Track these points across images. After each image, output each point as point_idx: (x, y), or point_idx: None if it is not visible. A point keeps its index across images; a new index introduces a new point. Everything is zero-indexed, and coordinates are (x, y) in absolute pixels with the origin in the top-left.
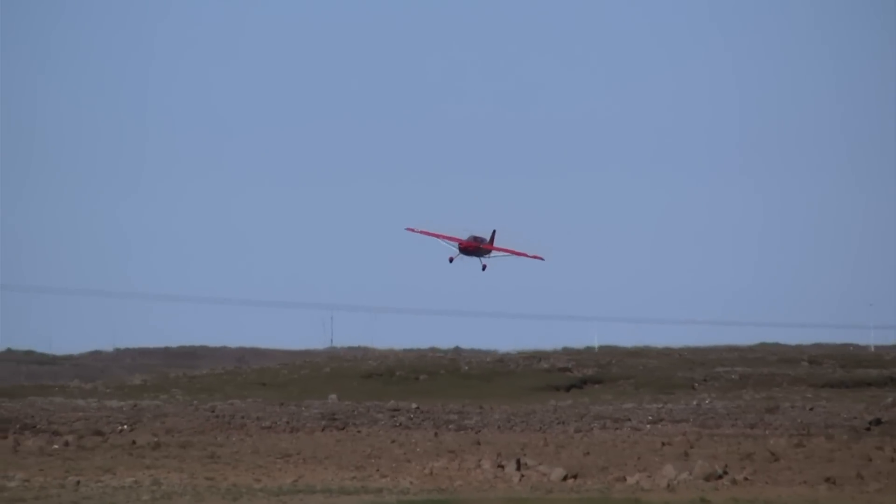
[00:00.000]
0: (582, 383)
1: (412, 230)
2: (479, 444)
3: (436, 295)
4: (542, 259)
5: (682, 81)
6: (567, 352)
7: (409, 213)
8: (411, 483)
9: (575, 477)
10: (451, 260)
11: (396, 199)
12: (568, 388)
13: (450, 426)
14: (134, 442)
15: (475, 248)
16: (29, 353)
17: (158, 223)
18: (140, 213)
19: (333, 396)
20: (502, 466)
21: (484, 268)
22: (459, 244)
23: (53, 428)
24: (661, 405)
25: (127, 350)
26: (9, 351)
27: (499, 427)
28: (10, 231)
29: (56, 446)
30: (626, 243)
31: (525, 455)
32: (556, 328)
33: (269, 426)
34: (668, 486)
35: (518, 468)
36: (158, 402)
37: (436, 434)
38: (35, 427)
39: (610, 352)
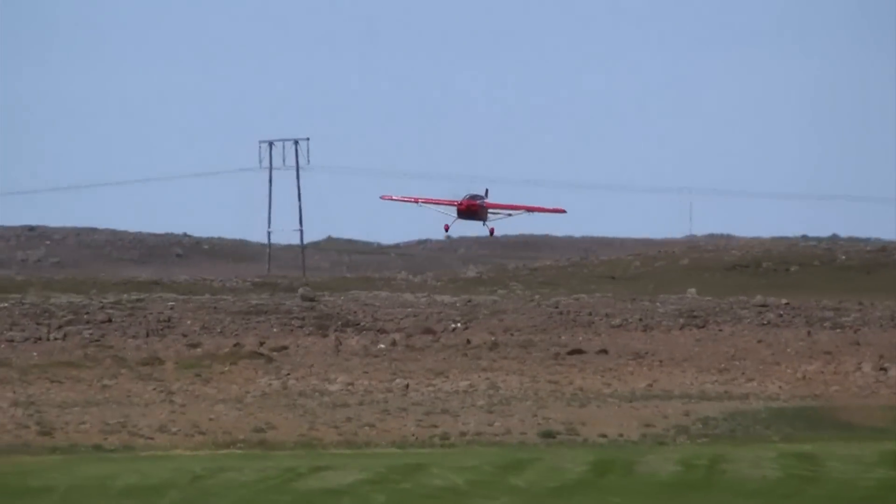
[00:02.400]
0: None
1: (389, 198)
2: (857, 344)
3: (810, 177)
4: (564, 212)
5: None
6: None
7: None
8: (780, 388)
9: None
10: (447, 228)
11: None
12: None
13: (825, 324)
14: (468, 341)
15: (476, 209)
16: (350, 242)
17: (496, 107)
18: (490, 97)
19: (692, 291)
20: (885, 370)
21: (492, 232)
22: (458, 207)
23: (379, 326)
24: None
25: (460, 239)
26: (329, 239)
27: (881, 325)
28: (349, 113)
29: (382, 346)
30: None
31: None
32: None
33: (620, 324)
34: None
35: None
36: (495, 298)
37: (808, 333)
38: (358, 325)
39: None
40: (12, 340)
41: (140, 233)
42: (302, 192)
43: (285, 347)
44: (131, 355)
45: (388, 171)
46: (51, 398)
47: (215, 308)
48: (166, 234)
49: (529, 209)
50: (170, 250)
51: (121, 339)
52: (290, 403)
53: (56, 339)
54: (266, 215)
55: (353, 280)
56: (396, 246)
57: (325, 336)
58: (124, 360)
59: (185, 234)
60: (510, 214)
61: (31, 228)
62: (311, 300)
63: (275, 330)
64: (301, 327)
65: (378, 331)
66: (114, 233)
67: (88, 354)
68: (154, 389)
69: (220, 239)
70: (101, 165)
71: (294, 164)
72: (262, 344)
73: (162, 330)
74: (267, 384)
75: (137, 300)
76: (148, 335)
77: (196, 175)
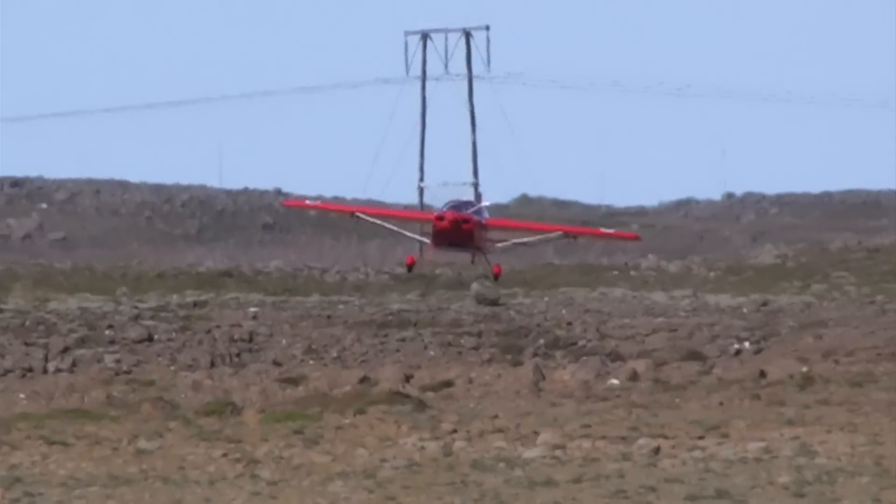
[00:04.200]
0: None
1: (298, 204)
2: None
3: None
4: (637, 239)
5: None
6: None
7: None
8: None
9: None
10: (411, 263)
11: None
12: None
13: None
14: (762, 374)
15: (470, 228)
16: (560, 203)
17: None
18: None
19: None
20: None
21: (497, 275)
22: (435, 224)
23: (610, 347)
24: None
25: (746, 196)
26: (524, 199)
27: None
28: None
29: (615, 382)
30: None
31: None
32: None
33: None
34: None
35: None
36: (808, 298)
37: None
38: (574, 345)
39: None
40: None
41: (202, 188)
42: (477, 119)
43: (449, 384)
44: (187, 398)
45: (621, 85)
46: (49, 472)
47: (329, 317)
48: (246, 192)
49: (571, 231)
50: (252, 219)
51: (168, 370)
52: (457, 480)
53: (59, 370)
54: (417, 159)
55: (564, 269)
56: (640, 209)
57: (518, 364)
58: (175, 408)
59: (277, 192)
60: (526, 242)
61: (17, 183)
62: (494, 303)
63: (431, 354)
64: (476, 349)
65: (608, 355)
66: (157, 189)
67: (114, 397)
68: (225, 456)
69: (335, 200)
70: (133, 81)
71: (465, 70)
72: (408, 379)
73: (239, 355)
74: (417, 447)
75: (196, 304)
76: (214, 364)
77: (295, 91)
